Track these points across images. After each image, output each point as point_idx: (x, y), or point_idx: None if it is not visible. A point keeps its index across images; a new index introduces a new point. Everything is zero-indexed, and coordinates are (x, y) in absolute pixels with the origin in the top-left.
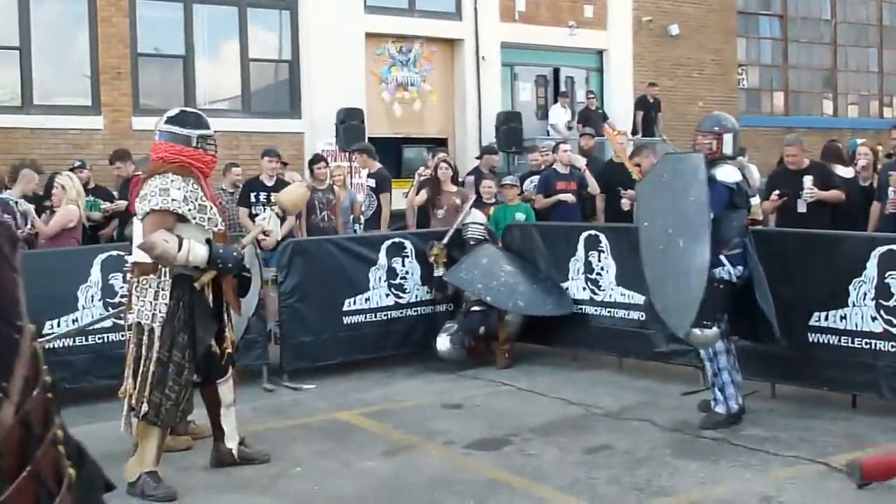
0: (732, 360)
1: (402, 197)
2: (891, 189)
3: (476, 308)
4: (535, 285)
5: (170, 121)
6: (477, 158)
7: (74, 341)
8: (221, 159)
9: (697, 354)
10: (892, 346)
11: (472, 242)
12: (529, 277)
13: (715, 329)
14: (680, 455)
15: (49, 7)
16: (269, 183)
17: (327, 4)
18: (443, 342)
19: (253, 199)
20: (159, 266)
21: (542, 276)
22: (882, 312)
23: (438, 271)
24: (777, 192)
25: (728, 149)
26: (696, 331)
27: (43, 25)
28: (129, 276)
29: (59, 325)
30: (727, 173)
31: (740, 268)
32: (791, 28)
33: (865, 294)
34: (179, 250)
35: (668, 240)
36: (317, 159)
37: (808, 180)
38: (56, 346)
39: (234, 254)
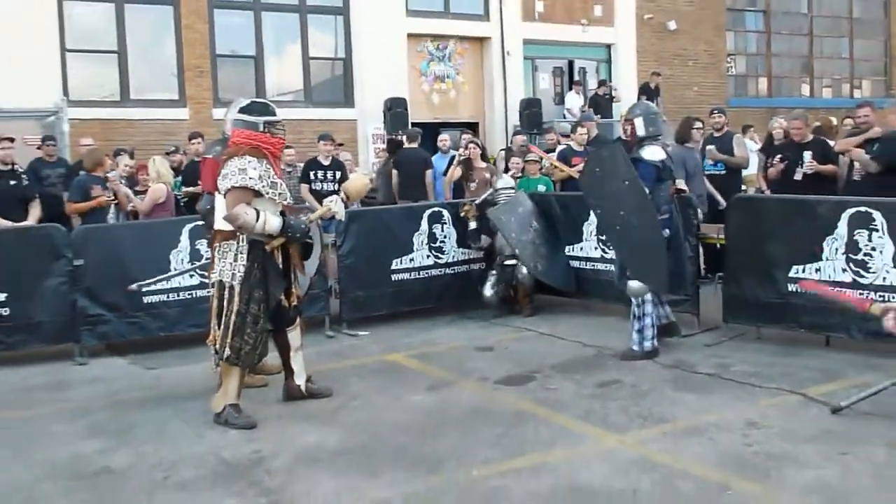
0: (658, 308)
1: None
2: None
3: (508, 262)
4: (553, 254)
5: (241, 110)
6: (517, 133)
7: (168, 297)
8: (287, 144)
9: (696, 303)
10: (860, 293)
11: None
12: (550, 243)
13: (641, 283)
14: (678, 388)
15: (141, 16)
16: (326, 162)
17: (374, 10)
18: (487, 290)
19: (312, 177)
20: (237, 233)
21: (559, 245)
22: (851, 265)
23: (472, 224)
24: (780, 156)
25: (641, 131)
26: (632, 283)
27: (136, 32)
28: (211, 241)
29: (161, 284)
30: (652, 153)
31: (667, 230)
32: (773, 21)
33: (837, 249)
34: (257, 221)
35: (622, 220)
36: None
37: (807, 155)
38: (153, 300)
39: (303, 225)
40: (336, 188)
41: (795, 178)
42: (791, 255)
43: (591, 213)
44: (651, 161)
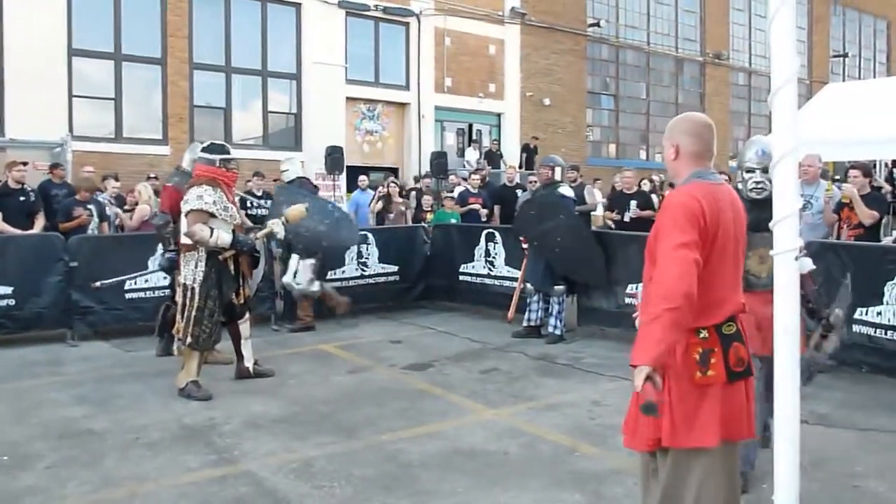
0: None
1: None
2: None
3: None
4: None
5: (203, 150)
6: (424, 177)
7: (145, 294)
8: (248, 178)
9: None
10: None
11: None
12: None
13: (563, 286)
14: (542, 375)
15: (135, 72)
16: (259, 193)
17: (320, 77)
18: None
19: (248, 204)
20: (197, 246)
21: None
22: None
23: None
24: (613, 209)
25: (558, 176)
26: (556, 287)
27: (130, 84)
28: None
29: (135, 283)
30: (567, 191)
31: None
32: (621, 103)
33: None
34: (211, 236)
35: (559, 244)
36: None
37: (633, 203)
38: (133, 297)
39: (250, 241)
40: (264, 212)
41: (625, 219)
42: (627, 276)
43: (483, 239)
44: (569, 196)
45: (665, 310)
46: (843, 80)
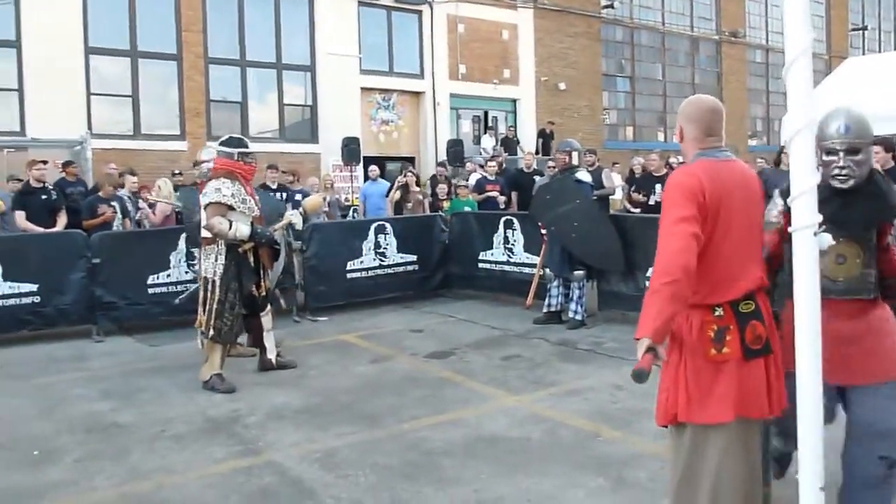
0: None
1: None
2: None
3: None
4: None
5: (221, 143)
6: (440, 166)
7: (167, 289)
8: (265, 171)
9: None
10: None
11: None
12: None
13: (583, 270)
14: (564, 360)
15: (151, 68)
16: (273, 186)
17: (335, 68)
18: None
19: None
20: (217, 239)
21: None
22: None
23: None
24: (640, 191)
25: (575, 161)
26: (576, 272)
27: (147, 81)
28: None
29: (158, 277)
30: (583, 176)
31: None
32: (637, 85)
33: None
34: (230, 229)
35: (576, 229)
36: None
37: (658, 187)
38: (155, 292)
39: (268, 233)
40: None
41: (650, 202)
42: (648, 259)
43: (501, 226)
44: (586, 181)
45: (663, 284)
46: (863, 54)
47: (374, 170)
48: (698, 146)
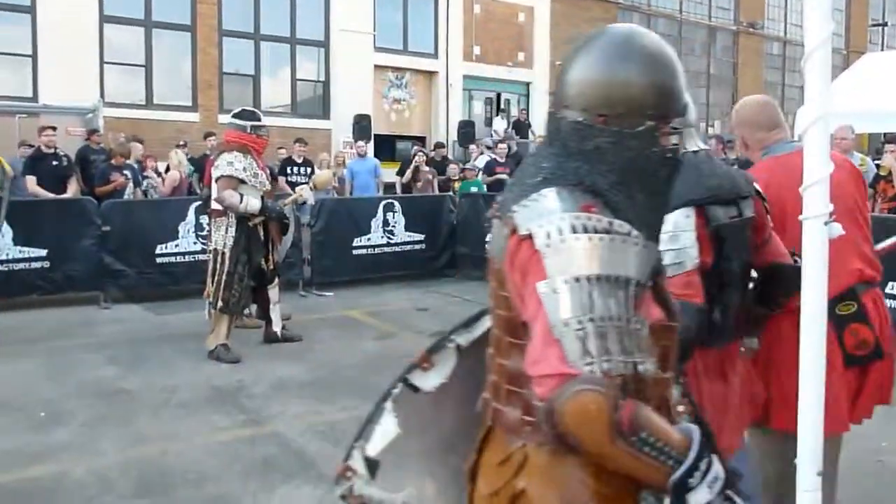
0: None
1: (394, 174)
2: None
3: None
4: None
5: (234, 116)
6: (438, 147)
7: (175, 259)
8: (277, 145)
9: None
10: None
11: None
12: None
13: None
14: None
15: (165, 39)
16: (299, 160)
17: (349, 45)
18: None
19: (288, 171)
20: (227, 212)
21: None
22: None
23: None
24: None
25: None
26: None
27: (160, 51)
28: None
29: (166, 248)
30: None
31: None
32: None
33: None
34: (241, 202)
35: None
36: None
37: None
38: (163, 261)
39: (279, 207)
40: (306, 181)
41: None
42: None
43: None
44: None
45: None
46: (882, 50)
47: (361, 146)
48: (760, 148)
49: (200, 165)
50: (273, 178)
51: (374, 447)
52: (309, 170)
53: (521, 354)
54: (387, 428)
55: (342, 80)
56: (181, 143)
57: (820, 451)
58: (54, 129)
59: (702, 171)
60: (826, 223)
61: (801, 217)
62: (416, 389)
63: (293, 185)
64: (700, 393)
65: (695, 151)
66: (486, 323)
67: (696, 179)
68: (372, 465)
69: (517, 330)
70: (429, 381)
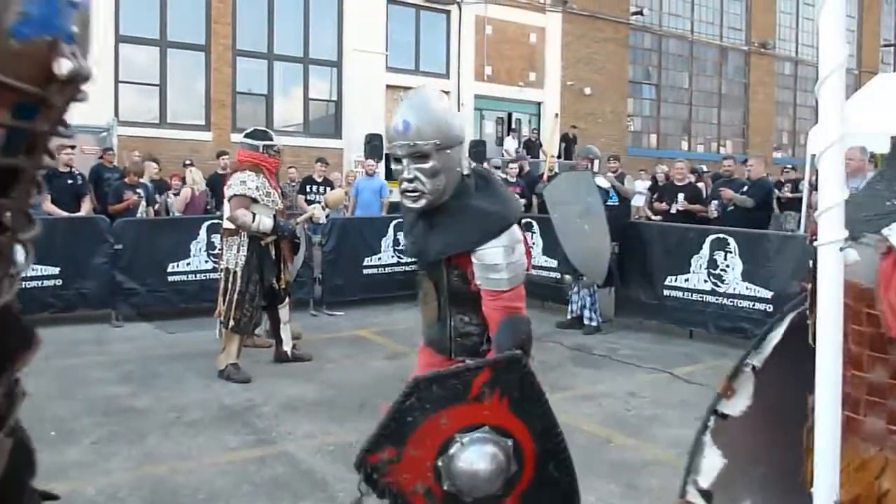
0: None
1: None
2: (713, 202)
3: None
4: None
5: (246, 136)
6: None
7: (187, 277)
8: (288, 164)
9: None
10: (716, 299)
11: None
12: None
13: (569, 276)
14: (578, 365)
15: (179, 58)
16: (319, 179)
17: (361, 65)
18: None
19: (308, 190)
20: (239, 231)
21: None
22: (711, 278)
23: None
24: (662, 199)
25: (596, 167)
26: (585, 278)
27: (175, 71)
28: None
29: (178, 266)
30: (602, 182)
31: None
32: (663, 92)
33: (700, 265)
34: (253, 221)
35: (576, 225)
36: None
37: (681, 196)
38: (175, 280)
39: (291, 226)
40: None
41: (671, 211)
42: (666, 268)
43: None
44: (604, 187)
45: None
46: (894, 70)
47: (370, 164)
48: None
49: (217, 184)
50: (283, 197)
51: (705, 479)
52: (328, 189)
53: (885, 368)
54: (713, 461)
55: (354, 100)
56: (187, 161)
57: (836, 481)
58: (73, 147)
59: None
60: (841, 249)
61: (816, 243)
62: (725, 417)
63: (312, 203)
64: None
65: None
66: (774, 340)
67: None
68: (707, 497)
69: (883, 345)
70: (736, 406)
